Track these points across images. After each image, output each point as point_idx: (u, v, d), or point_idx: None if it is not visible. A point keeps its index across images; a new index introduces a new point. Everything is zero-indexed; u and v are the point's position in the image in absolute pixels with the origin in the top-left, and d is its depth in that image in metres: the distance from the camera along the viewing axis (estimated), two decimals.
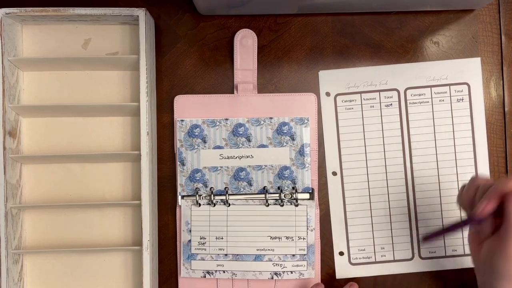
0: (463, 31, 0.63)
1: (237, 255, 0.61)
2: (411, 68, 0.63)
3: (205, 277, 0.61)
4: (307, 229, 0.61)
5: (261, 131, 0.61)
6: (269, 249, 0.60)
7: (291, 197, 0.61)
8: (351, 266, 0.62)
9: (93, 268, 0.62)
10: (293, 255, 0.60)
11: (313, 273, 0.61)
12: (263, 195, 0.61)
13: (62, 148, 0.62)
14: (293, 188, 0.61)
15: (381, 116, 0.63)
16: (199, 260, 0.61)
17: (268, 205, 0.61)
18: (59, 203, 0.61)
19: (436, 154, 0.62)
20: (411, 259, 0.62)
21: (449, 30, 0.63)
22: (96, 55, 0.61)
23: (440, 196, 0.62)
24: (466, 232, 0.62)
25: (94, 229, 0.62)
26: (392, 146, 0.62)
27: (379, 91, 0.63)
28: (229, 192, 0.61)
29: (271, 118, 0.61)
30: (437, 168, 0.62)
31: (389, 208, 0.62)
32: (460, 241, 0.62)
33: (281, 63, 0.63)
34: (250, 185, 0.61)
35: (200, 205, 0.61)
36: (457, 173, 0.62)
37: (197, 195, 0.61)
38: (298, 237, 0.61)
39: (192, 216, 0.61)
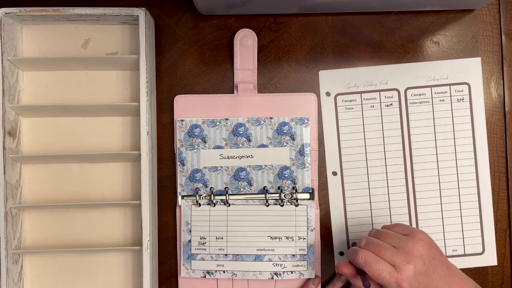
0: (463, 31, 0.63)
1: (237, 255, 0.61)
2: (411, 68, 0.63)
3: (205, 277, 0.61)
4: (307, 229, 0.61)
5: (261, 131, 0.61)
6: (269, 249, 0.60)
7: (291, 197, 0.61)
8: None
9: (93, 268, 0.62)
10: (293, 255, 0.60)
11: (313, 273, 0.61)
12: (263, 195, 0.61)
13: (62, 148, 0.62)
14: (293, 188, 0.61)
15: (381, 116, 0.63)
16: (199, 260, 0.61)
17: (268, 205, 0.61)
18: (59, 203, 0.61)
19: (436, 154, 0.62)
20: None
21: (449, 30, 0.63)
22: (96, 55, 0.61)
23: (440, 196, 0.62)
24: (466, 231, 0.62)
25: (94, 229, 0.62)
26: (392, 146, 0.62)
27: (379, 91, 0.63)
28: (229, 192, 0.61)
29: (271, 118, 0.61)
30: (437, 168, 0.62)
31: (389, 208, 0.62)
32: (460, 241, 0.62)
33: (281, 63, 0.63)
34: (250, 185, 0.61)
35: (200, 205, 0.61)
36: (457, 173, 0.62)
37: (197, 195, 0.61)
38: (298, 237, 0.61)
39: (192, 216, 0.61)
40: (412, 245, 0.50)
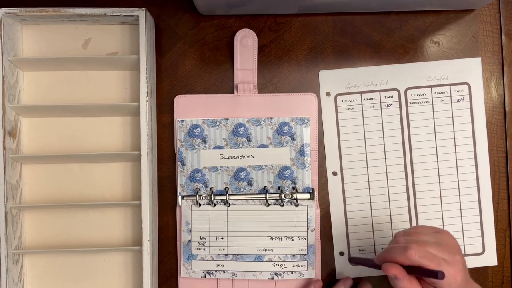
0: (463, 31, 0.63)
1: (237, 255, 0.61)
2: (411, 68, 0.63)
3: (205, 277, 0.61)
4: (307, 229, 0.61)
5: (261, 131, 0.61)
6: (269, 249, 0.60)
7: (291, 197, 0.61)
8: (351, 266, 0.62)
9: (93, 268, 0.62)
10: (294, 255, 0.60)
11: (314, 273, 0.60)
12: (263, 195, 0.61)
13: (62, 148, 0.62)
14: (293, 188, 0.61)
15: (382, 116, 0.63)
16: (199, 260, 0.61)
17: (268, 205, 0.61)
18: (59, 203, 0.61)
19: (437, 154, 0.62)
20: None
21: (449, 30, 0.63)
22: (96, 55, 0.61)
23: (441, 196, 0.62)
24: (466, 231, 0.62)
25: (94, 229, 0.62)
26: (392, 146, 0.62)
27: (379, 91, 0.63)
28: (229, 192, 0.61)
29: (271, 118, 0.61)
30: (438, 168, 0.62)
31: (389, 208, 0.62)
32: (461, 241, 0.62)
33: (281, 63, 0.63)
34: (250, 185, 0.61)
35: (200, 205, 0.61)
36: (457, 173, 0.62)
37: (197, 195, 0.61)
38: (299, 237, 0.61)
39: (192, 216, 0.61)
40: (447, 238, 0.49)
